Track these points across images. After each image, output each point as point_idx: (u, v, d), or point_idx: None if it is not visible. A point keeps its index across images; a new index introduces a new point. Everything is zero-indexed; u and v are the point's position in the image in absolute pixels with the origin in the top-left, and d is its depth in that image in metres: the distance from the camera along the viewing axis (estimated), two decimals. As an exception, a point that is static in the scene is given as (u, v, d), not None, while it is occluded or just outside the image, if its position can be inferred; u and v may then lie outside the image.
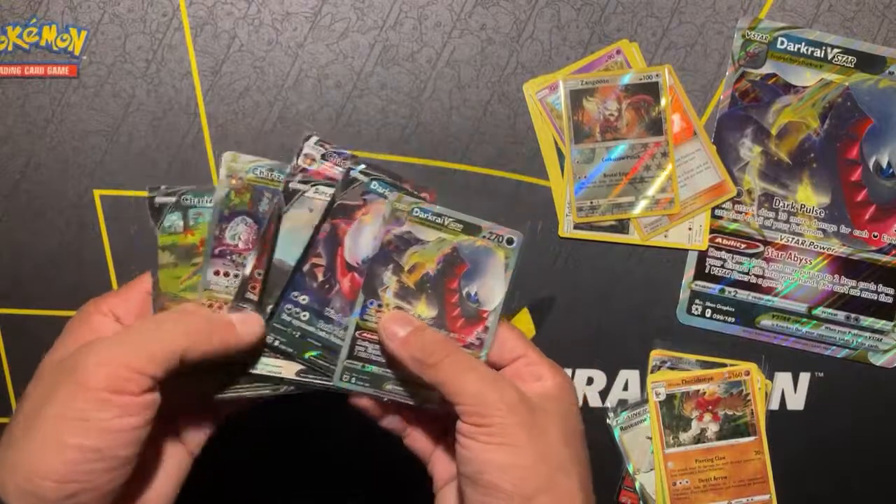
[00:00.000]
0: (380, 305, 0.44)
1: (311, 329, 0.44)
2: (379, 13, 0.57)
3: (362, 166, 0.45)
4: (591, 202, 0.58)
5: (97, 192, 0.57)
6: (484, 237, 0.45)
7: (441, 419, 0.46)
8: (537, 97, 0.58)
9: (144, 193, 0.57)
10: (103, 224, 0.57)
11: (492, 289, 0.45)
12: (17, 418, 0.38)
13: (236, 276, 0.44)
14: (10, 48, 0.57)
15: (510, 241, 0.45)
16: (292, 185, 0.45)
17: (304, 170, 0.45)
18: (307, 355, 0.44)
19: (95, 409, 0.36)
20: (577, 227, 0.58)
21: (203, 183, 0.57)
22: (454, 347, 0.43)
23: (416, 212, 0.44)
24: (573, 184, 0.58)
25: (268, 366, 0.44)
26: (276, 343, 0.44)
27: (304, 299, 0.44)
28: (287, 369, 0.44)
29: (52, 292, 0.57)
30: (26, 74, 0.57)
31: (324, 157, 0.45)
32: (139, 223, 0.57)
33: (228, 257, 0.44)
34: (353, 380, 0.44)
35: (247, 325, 0.43)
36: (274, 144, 0.57)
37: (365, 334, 0.44)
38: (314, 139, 0.45)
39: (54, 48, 0.57)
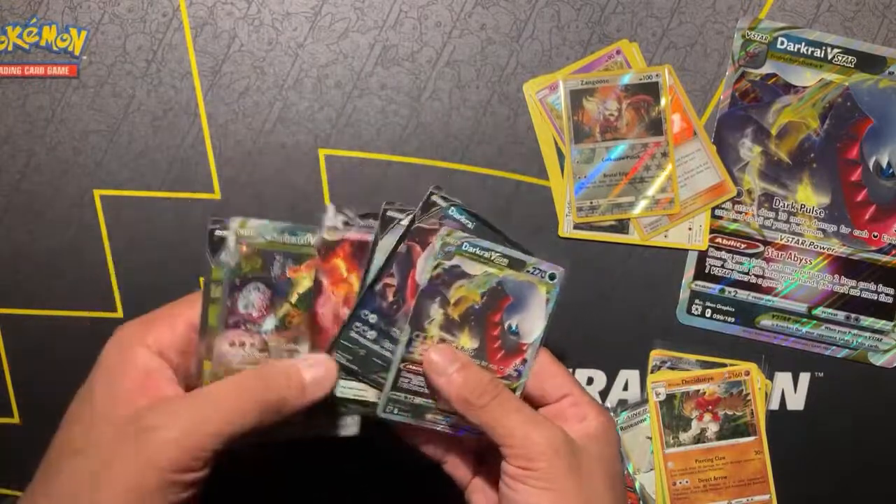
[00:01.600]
0: (425, 337, 0.44)
1: (376, 348, 0.44)
2: (379, 13, 0.57)
3: (443, 192, 0.46)
4: (591, 202, 0.58)
5: (97, 192, 0.57)
6: (528, 272, 0.45)
7: (479, 447, 0.47)
8: (537, 97, 0.58)
9: (145, 193, 0.58)
10: (103, 224, 0.57)
11: (532, 322, 0.46)
12: (65, 466, 0.38)
13: (252, 345, 0.43)
14: (10, 48, 0.57)
15: (552, 277, 0.46)
16: (389, 213, 0.45)
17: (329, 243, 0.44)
18: (372, 375, 0.45)
19: (161, 489, 0.36)
20: (577, 227, 0.58)
21: (203, 185, 0.58)
22: (500, 388, 0.43)
23: (466, 246, 0.44)
24: (573, 184, 0.58)
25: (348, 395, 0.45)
26: (343, 361, 0.44)
27: (373, 318, 0.44)
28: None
29: (52, 292, 0.57)
30: (26, 74, 0.57)
31: (347, 224, 0.44)
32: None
33: (243, 326, 0.43)
34: (396, 411, 0.45)
35: (318, 386, 0.42)
36: (274, 144, 0.57)
37: (409, 366, 0.44)
38: (332, 209, 0.44)
39: (54, 48, 0.57)
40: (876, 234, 0.59)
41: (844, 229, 0.59)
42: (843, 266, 0.59)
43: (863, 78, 0.58)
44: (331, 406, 0.44)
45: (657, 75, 0.58)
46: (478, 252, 0.45)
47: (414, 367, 0.44)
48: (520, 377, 0.45)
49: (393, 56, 0.58)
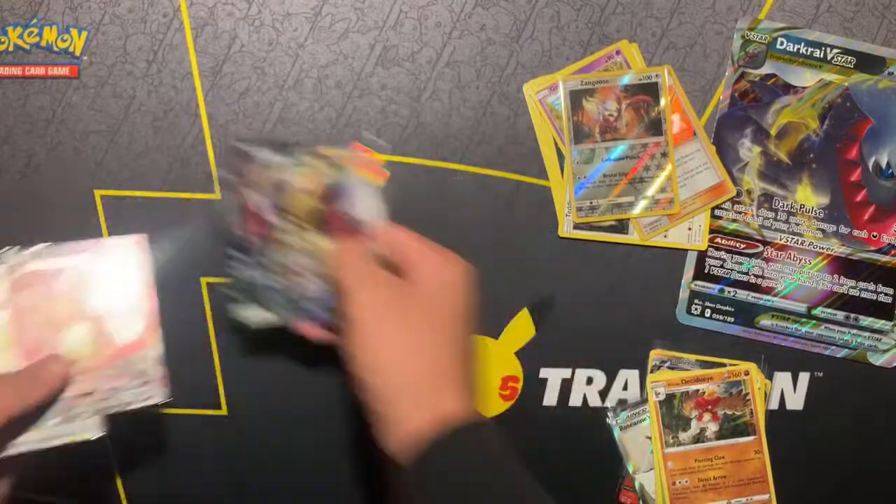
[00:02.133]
0: (290, 249, 0.51)
1: (257, 275, 0.51)
2: (379, 14, 0.57)
3: (244, 142, 0.51)
4: (591, 202, 0.58)
5: (98, 192, 0.57)
6: (342, 168, 0.52)
7: None
8: (537, 97, 0.58)
9: (145, 193, 0.58)
10: (104, 224, 0.57)
11: (363, 206, 0.51)
12: None
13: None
14: (10, 48, 0.57)
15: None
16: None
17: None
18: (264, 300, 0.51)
19: None
20: (576, 227, 0.58)
21: (203, 185, 0.58)
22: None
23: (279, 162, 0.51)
24: (573, 184, 0.58)
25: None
26: (235, 294, 0.51)
27: (239, 254, 0.51)
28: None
29: (52, 292, 0.57)
30: (27, 75, 0.57)
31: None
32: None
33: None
34: (294, 315, 0.51)
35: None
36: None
37: (292, 276, 0.51)
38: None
39: (55, 48, 0.57)
40: (875, 234, 0.59)
41: (844, 229, 0.59)
42: (843, 266, 0.59)
43: (862, 78, 0.58)
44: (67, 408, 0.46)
45: (657, 76, 0.58)
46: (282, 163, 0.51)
47: (295, 277, 0.50)
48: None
49: (393, 56, 0.58)
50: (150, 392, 0.47)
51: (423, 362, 0.42)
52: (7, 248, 0.47)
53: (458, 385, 0.43)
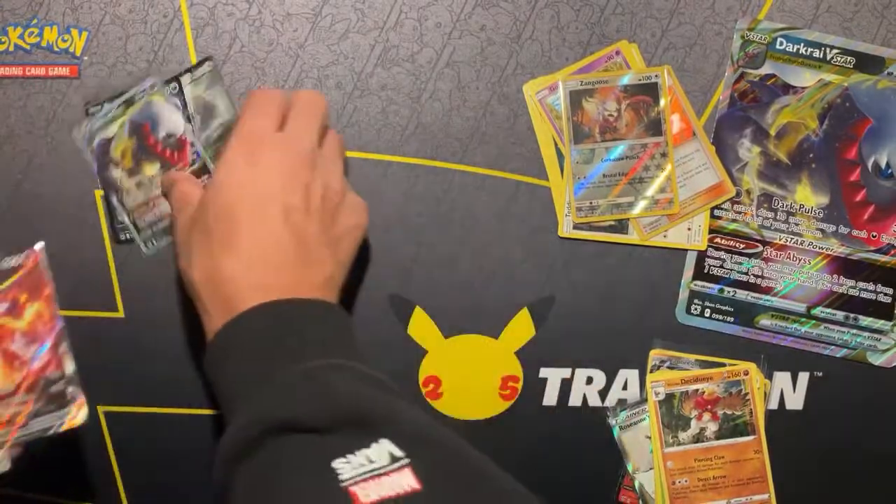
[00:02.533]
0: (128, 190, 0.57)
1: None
2: (379, 14, 0.58)
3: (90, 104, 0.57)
4: (591, 202, 0.58)
5: (98, 193, 0.57)
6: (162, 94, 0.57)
7: None
8: (537, 98, 0.58)
9: (145, 193, 0.57)
10: (104, 224, 0.57)
11: (174, 125, 0.57)
12: None
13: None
14: (11, 49, 0.57)
15: (153, 86, 0.57)
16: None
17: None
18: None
19: None
20: (576, 227, 0.58)
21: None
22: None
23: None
24: (573, 184, 0.58)
25: None
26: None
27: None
28: None
29: (53, 292, 0.57)
30: (27, 75, 0.57)
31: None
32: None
33: None
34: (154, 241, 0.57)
35: None
36: (274, 145, 0.57)
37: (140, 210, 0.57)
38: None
39: (55, 49, 0.57)
40: (875, 234, 0.59)
41: (843, 229, 0.59)
42: (842, 266, 0.59)
43: (862, 78, 0.58)
44: None
45: (656, 76, 0.58)
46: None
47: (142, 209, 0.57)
48: (199, 157, 0.56)
49: (393, 57, 0.58)
50: (69, 414, 0.45)
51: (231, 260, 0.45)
52: None
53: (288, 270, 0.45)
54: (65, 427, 0.45)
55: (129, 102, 0.56)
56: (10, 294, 0.48)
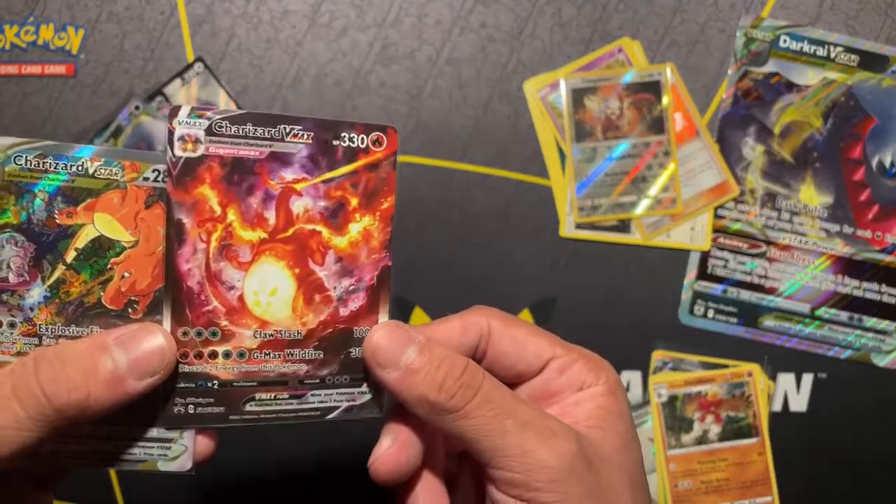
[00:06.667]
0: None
1: None
2: (378, 11, 0.57)
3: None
4: (593, 202, 0.58)
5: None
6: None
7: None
8: (538, 95, 0.58)
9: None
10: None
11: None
12: None
13: (12, 324, 0.31)
14: (7, 47, 0.57)
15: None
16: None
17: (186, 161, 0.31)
18: None
19: None
20: (578, 226, 0.58)
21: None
22: (480, 376, 0.31)
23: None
24: (574, 183, 0.58)
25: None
26: None
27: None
28: None
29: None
30: (23, 73, 0.57)
31: (213, 132, 0.31)
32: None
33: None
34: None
35: (140, 370, 0.29)
36: (273, 143, 0.57)
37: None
38: (186, 109, 0.31)
39: (51, 47, 0.57)
40: (879, 233, 0.58)
41: (847, 229, 0.58)
42: (847, 266, 0.58)
43: (866, 77, 0.58)
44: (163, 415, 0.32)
45: (659, 74, 0.57)
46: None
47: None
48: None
49: (392, 54, 0.57)
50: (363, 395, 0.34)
51: None
52: None
53: None
54: (361, 414, 0.33)
55: (117, 132, 0.55)
56: (341, 189, 0.32)
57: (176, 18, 0.57)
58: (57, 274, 0.31)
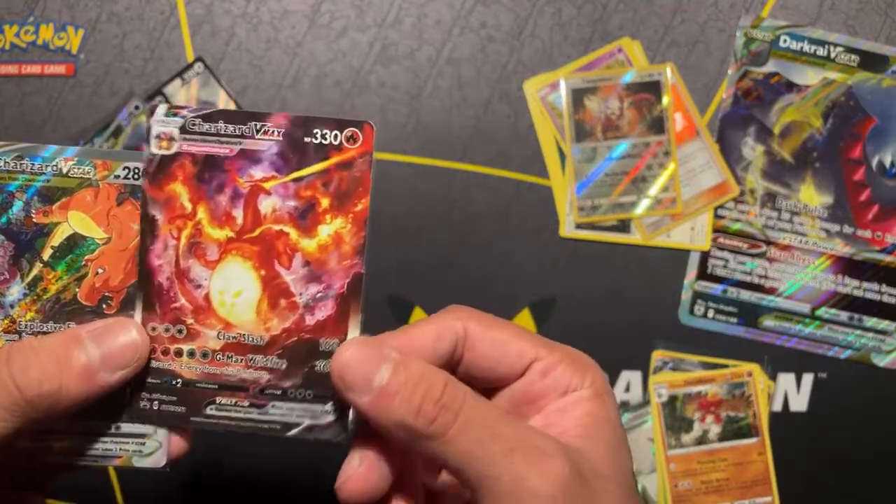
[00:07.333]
0: None
1: None
2: (378, 11, 0.57)
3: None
4: (593, 202, 0.58)
5: (94, 192, 0.57)
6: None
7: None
8: (538, 96, 0.58)
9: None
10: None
11: None
12: None
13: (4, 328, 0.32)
14: (6, 47, 0.57)
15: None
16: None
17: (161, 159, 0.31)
18: None
19: None
20: (578, 226, 0.58)
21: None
22: (461, 396, 0.29)
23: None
24: (574, 183, 0.58)
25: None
26: None
27: None
28: None
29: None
30: (23, 73, 0.57)
31: (186, 130, 0.31)
32: None
33: None
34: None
35: (112, 363, 0.30)
36: (272, 143, 0.57)
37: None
38: (162, 108, 0.31)
39: (51, 47, 0.57)
40: (879, 233, 0.58)
41: (848, 229, 0.58)
42: (847, 266, 0.58)
43: (866, 77, 0.58)
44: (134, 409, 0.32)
45: (659, 74, 0.57)
46: None
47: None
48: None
49: (392, 54, 0.57)
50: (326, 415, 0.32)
51: None
52: None
53: None
54: (322, 435, 0.32)
55: (117, 132, 0.54)
56: (311, 188, 0.31)
57: (176, 18, 0.57)
58: (35, 272, 0.31)
